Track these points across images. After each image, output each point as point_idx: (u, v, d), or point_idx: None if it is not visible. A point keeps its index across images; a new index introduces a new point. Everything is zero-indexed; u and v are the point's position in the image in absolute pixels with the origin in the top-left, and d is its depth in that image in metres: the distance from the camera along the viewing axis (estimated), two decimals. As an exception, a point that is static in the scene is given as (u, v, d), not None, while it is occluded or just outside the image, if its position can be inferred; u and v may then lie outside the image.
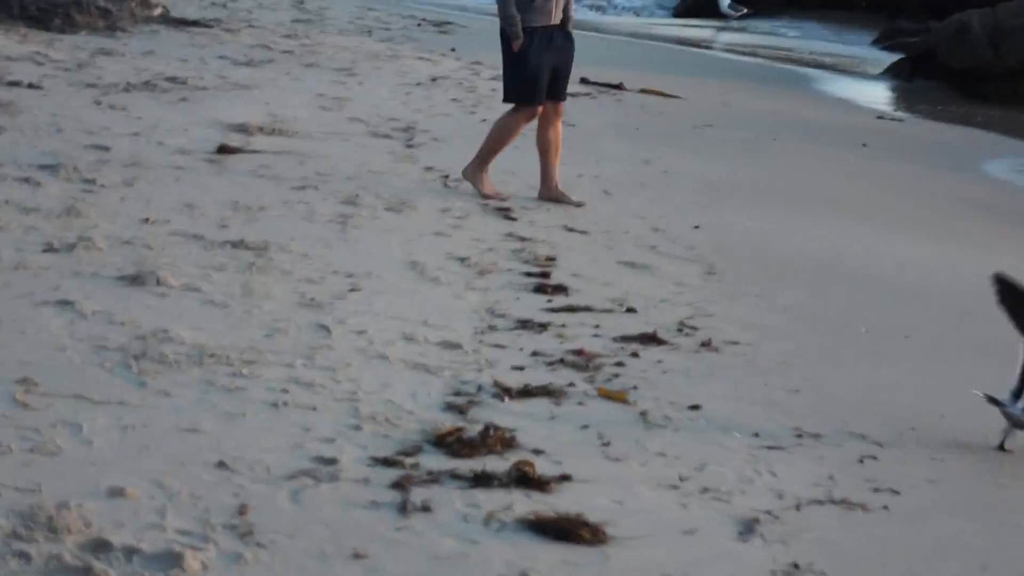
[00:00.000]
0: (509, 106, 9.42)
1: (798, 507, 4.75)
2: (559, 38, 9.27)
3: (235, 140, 9.95)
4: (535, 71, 9.16)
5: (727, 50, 24.75)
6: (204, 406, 4.97)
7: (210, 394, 5.09)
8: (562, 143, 9.55)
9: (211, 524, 4.03)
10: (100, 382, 5.11)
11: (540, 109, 9.34)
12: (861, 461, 5.26)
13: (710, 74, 19.64)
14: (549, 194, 9.40)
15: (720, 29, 29.05)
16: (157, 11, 16.05)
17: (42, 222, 7.29)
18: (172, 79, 12.13)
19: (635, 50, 20.84)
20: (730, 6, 29.68)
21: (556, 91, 9.36)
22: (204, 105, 11.19)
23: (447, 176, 9.75)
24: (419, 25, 19.95)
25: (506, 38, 9.21)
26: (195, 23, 15.80)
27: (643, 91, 15.79)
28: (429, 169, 9.93)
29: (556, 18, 9.22)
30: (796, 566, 4.27)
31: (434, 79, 14.36)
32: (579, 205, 9.32)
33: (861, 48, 27.52)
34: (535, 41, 9.15)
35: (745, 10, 29.61)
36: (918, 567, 4.39)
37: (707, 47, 25.50)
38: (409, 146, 10.72)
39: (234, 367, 5.39)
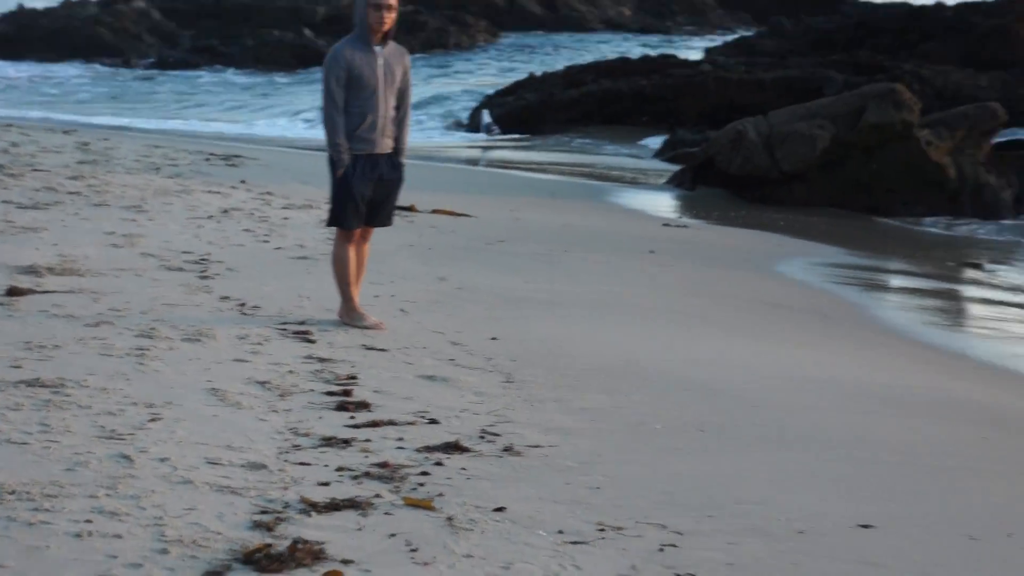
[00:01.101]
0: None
1: (604, 597, 4.88)
2: (385, 167, 9.42)
3: (25, 282, 9.85)
4: (352, 197, 9.31)
5: (516, 167, 25.23)
6: (5, 542, 4.91)
7: (11, 530, 5.04)
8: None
9: (18, 656, 4.01)
10: None
11: (356, 232, 9.49)
12: (662, 549, 5.42)
13: (500, 192, 20.02)
14: (348, 315, 9.48)
15: (507, 148, 29.60)
16: (-65, 161, 15.85)
17: None
18: (-44, 228, 11.97)
19: (424, 172, 21.13)
20: (487, 126, 30.65)
21: (372, 217, 9.50)
22: (-9, 249, 11.05)
23: (243, 304, 9.78)
24: (208, 160, 19.96)
25: (331, 162, 9.34)
26: (-24, 170, 15.63)
27: (435, 211, 16.05)
28: (225, 298, 9.95)
29: (383, 147, 9.36)
30: (604, 652, 4.39)
31: (225, 211, 14.39)
32: (377, 327, 9.40)
33: (645, 160, 28.30)
34: (358, 168, 9.29)
35: (497, 129, 30.65)
36: (721, 644, 4.54)
37: (499, 166, 25.95)
38: (203, 277, 10.72)
39: (36, 502, 5.34)
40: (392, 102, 9.38)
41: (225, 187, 16.48)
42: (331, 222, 9.53)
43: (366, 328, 9.36)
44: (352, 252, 9.54)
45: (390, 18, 9.21)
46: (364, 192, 9.36)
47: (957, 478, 6.95)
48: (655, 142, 30.12)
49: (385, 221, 9.67)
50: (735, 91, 33.07)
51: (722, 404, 8.13)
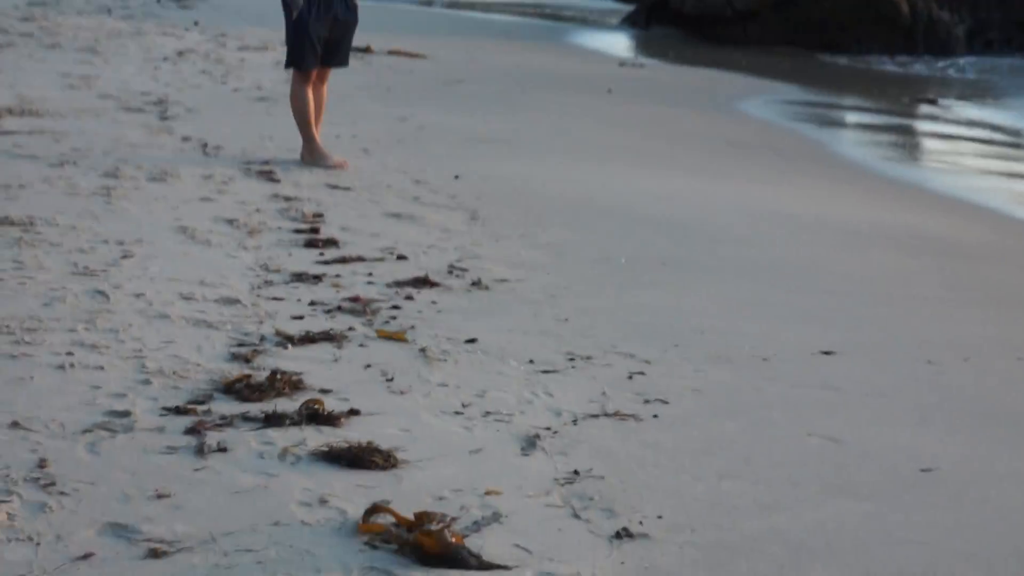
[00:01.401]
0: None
1: (575, 422, 5.02)
2: (340, 8, 9.47)
3: (-16, 123, 9.84)
4: (309, 39, 9.32)
5: (469, 8, 25.07)
6: (-10, 374, 5.01)
7: (-6, 363, 5.14)
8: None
9: (11, 479, 4.11)
10: None
11: (314, 73, 9.52)
12: (631, 377, 5.56)
13: (455, 33, 19.93)
14: (311, 155, 9.52)
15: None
16: None
17: None
18: (-90, 68, 11.88)
19: (379, 14, 20.96)
20: None
21: (329, 58, 9.54)
22: (-54, 91, 11.00)
23: (206, 144, 9.80)
24: (159, 2, 19.74)
25: (287, 6, 9.34)
26: (-77, 11, 15.44)
27: (391, 52, 15.98)
28: (187, 139, 9.96)
29: None
30: (576, 472, 4.53)
31: (180, 53, 14.30)
32: (341, 166, 9.46)
33: (598, 0, 28.14)
34: (312, 10, 9.31)
35: None
36: (687, 464, 4.69)
37: (452, 7, 25.78)
38: (164, 118, 10.72)
39: (15, 336, 5.42)
40: (341, -59, 9.39)
41: (178, 29, 16.35)
42: (289, 64, 9.57)
43: (330, 167, 9.42)
44: (310, 93, 9.59)
45: None
46: (320, 33, 9.39)
47: (915, 306, 7.13)
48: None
49: (342, 61, 9.72)
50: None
51: (683, 238, 8.26)
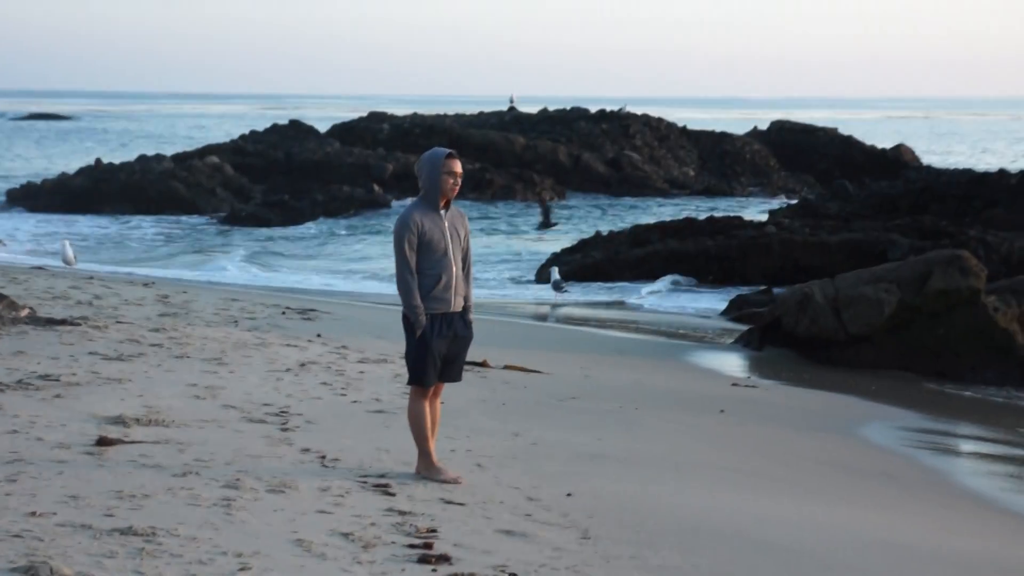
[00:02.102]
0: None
1: None
2: (458, 325, 9.76)
3: (113, 432, 10.13)
4: (431, 355, 9.61)
5: (584, 324, 25.47)
6: None
7: (115, 673, 5.22)
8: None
9: None
10: (4, 667, 5.21)
11: (431, 389, 9.77)
12: None
13: (569, 348, 20.24)
14: (427, 469, 9.68)
15: (575, 305, 29.88)
16: (24, 312, 16.23)
17: (-72, 520, 7.37)
18: (45, 376, 12.30)
19: (495, 327, 21.39)
20: (556, 283, 30.79)
21: (445, 373, 9.79)
22: (79, 400, 11.36)
23: (323, 456, 10.00)
24: (283, 313, 20.34)
25: (408, 323, 9.65)
26: (63, 322, 15.98)
27: (507, 367, 16.26)
28: (306, 451, 10.17)
29: (456, 305, 9.71)
30: None
31: (303, 364, 14.68)
32: (455, 481, 9.61)
33: (711, 319, 28.45)
34: (435, 327, 9.61)
35: (566, 287, 30.84)
36: None
37: (567, 322, 26.20)
38: (284, 429, 10.97)
39: (135, 646, 5.53)
40: (460, 261, 9.73)
41: (302, 340, 16.80)
42: (412, 380, 9.81)
43: (444, 482, 9.56)
44: (427, 407, 9.81)
45: (459, 184, 9.65)
46: (441, 350, 9.67)
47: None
48: (721, 300, 30.25)
49: (456, 376, 9.97)
50: (800, 252, 33.28)
51: (796, 566, 8.22)
